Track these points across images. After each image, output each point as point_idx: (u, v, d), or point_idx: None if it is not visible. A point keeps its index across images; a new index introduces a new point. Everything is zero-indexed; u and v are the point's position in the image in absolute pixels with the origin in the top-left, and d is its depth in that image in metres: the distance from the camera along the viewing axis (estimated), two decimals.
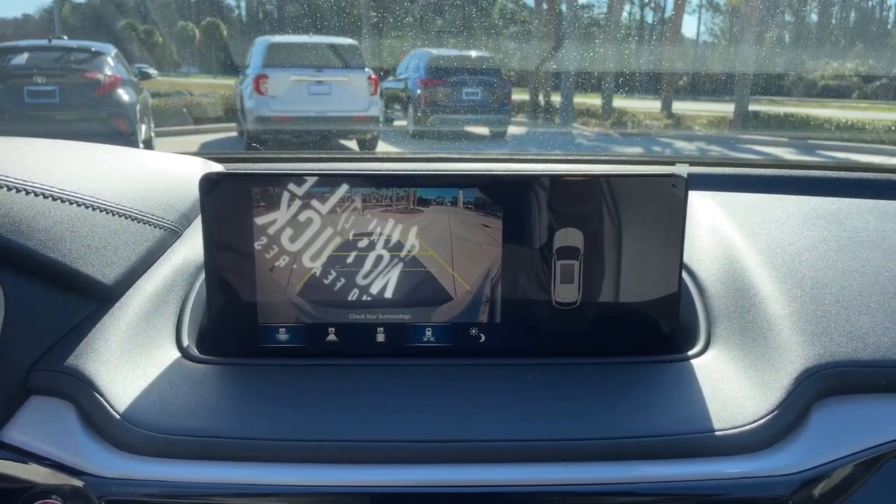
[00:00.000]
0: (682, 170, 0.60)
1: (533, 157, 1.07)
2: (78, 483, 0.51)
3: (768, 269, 0.67)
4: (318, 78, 6.43)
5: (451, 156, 1.04)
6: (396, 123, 7.57)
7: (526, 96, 9.39)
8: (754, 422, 0.53)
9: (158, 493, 0.51)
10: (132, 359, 0.58)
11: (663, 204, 0.60)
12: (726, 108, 8.90)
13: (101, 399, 0.53)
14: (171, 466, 0.51)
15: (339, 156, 1.18)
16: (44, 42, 6.87)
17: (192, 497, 0.51)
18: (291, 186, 0.59)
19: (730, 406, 0.54)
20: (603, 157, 1.09)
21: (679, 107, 9.16)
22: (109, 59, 6.13)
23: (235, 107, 7.04)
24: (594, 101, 9.13)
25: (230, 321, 0.61)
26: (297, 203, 0.60)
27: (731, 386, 0.57)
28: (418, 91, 7.14)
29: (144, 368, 0.58)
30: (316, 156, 1.03)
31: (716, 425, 0.53)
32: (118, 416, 0.53)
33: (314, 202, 0.60)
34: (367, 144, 6.50)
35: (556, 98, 8.95)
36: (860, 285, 0.65)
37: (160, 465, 0.51)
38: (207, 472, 0.51)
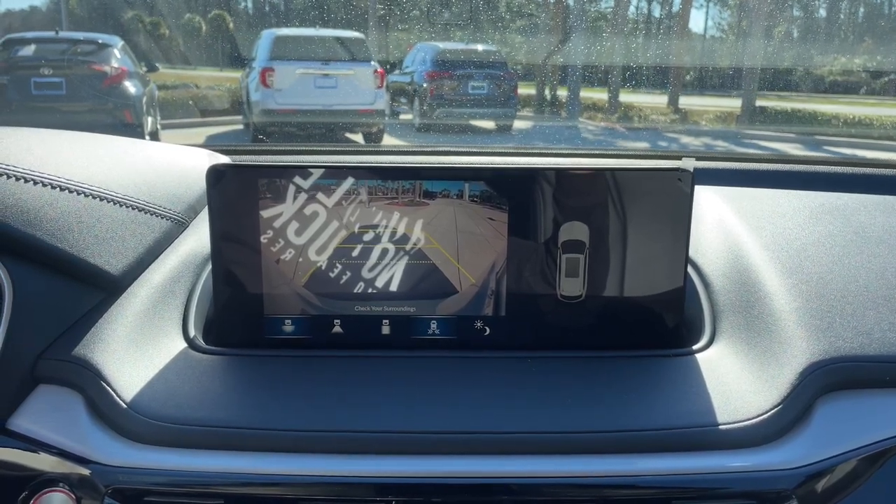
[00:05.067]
0: (689, 164, 0.60)
1: (539, 151, 1.07)
2: (84, 471, 0.51)
3: (774, 263, 0.67)
4: (325, 71, 6.41)
5: (456, 149, 1.04)
6: (402, 117, 7.55)
7: (532, 90, 9.36)
8: (759, 416, 0.53)
9: (164, 481, 0.51)
10: (139, 349, 0.58)
11: (669, 198, 0.60)
12: (733, 104, 8.86)
13: (108, 388, 0.54)
14: (176, 456, 0.51)
15: (345, 148, 1.18)
16: (51, 34, 6.87)
17: (197, 486, 0.51)
18: (297, 179, 0.59)
19: (734, 400, 0.55)
20: (609, 152, 1.08)
21: (686, 102, 9.12)
22: (116, 52, 6.12)
23: (241, 99, 7.04)
24: (601, 95, 9.09)
25: (236, 312, 0.61)
26: (303, 195, 0.60)
27: (736, 380, 0.57)
28: (424, 84, 7.12)
29: (151, 358, 0.58)
30: (322, 148, 1.03)
31: (720, 419, 0.53)
32: (125, 406, 0.53)
33: (320, 195, 0.60)
34: (373, 137, 6.49)
35: (563, 92, 8.92)
36: (866, 281, 0.65)
37: (166, 454, 0.52)
38: (213, 461, 0.51)
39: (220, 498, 0.51)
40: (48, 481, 0.52)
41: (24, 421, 0.54)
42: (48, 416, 0.54)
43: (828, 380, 0.55)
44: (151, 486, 0.51)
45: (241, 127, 6.92)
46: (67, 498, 0.52)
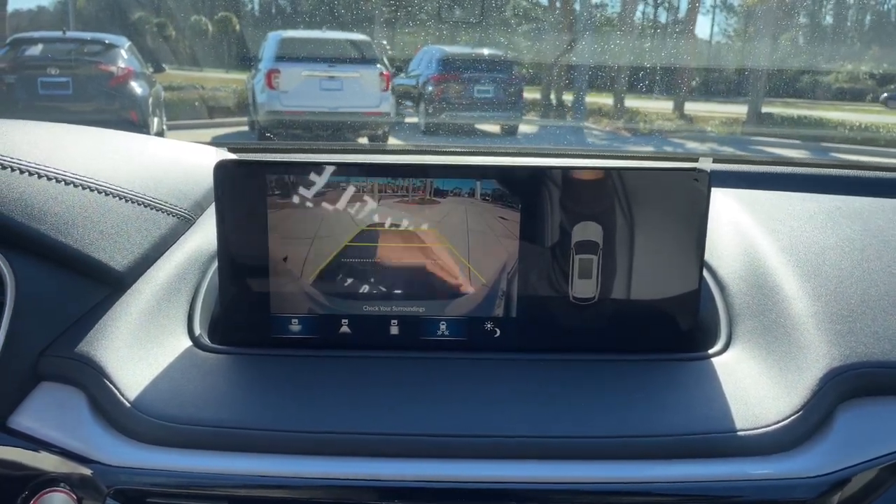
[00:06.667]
0: (706, 164, 0.59)
1: (548, 151, 1.06)
2: (86, 471, 0.50)
3: (791, 267, 0.66)
4: (330, 73, 6.42)
5: (465, 149, 1.03)
6: (408, 120, 7.56)
7: (538, 94, 9.36)
8: (778, 422, 0.52)
9: (167, 482, 0.50)
10: (143, 347, 0.57)
11: (685, 198, 0.59)
12: (739, 109, 8.85)
13: (112, 387, 0.53)
14: (180, 456, 0.50)
15: (352, 147, 1.17)
16: (58, 34, 6.91)
17: (201, 487, 0.50)
18: (306, 176, 0.58)
19: (752, 406, 0.53)
20: (621, 153, 1.07)
21: (691, 107, 9.11)
22: (122, 52, 6.15)
23: (247, 101, 7.06)
24: (607, 100, 9.09)
25: (242, 311, 0.60)
26: (312, 192, 0.59)
27: (753, 385, 0.55)
28: (430, 88, 7.13)
29: (155, 357, 0.57)
30: (329, 147, 1.02)
31: (737, 425, 0.51)
32: (128, 405, 0.52)
33: (329, 192, 0.59)
34: (378, 140, 6.49)
35: (569, 97, 8.91)
36: (886, 285, 0.63)
37: (170, 454, 0.51)
38: (217, 462, 0.50)
39: (224, 500, 0.50)
40: (49, 481, 0.51)
41: (26, 419, 0.53)
42: (50, 414, 0.53)
43: (849, 386, 0.54)
44: (154, 488, 0.50)
45: (246, 128, 6.93)
46: (68, 498, 0.51)
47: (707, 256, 0.67)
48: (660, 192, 0.59)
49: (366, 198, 0.59)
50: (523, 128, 7.58)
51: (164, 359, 0.57)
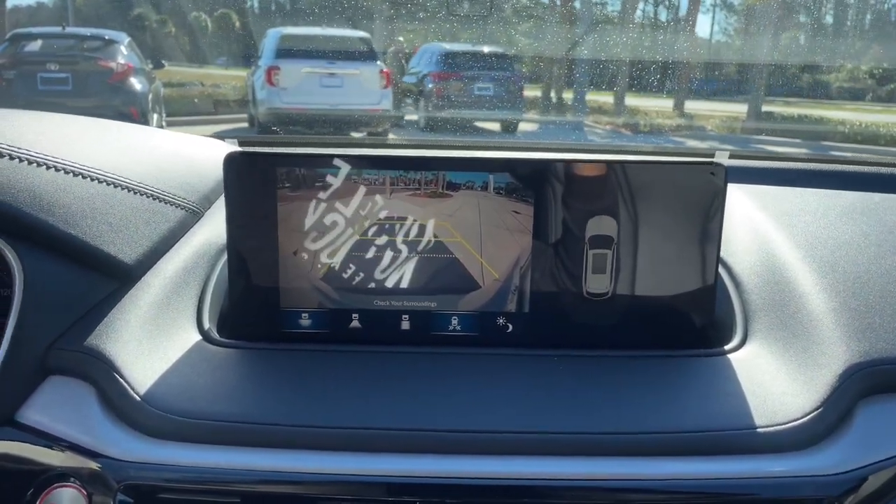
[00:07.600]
0: (723, 157, 0.58)
1: (558, 146, 1.05)
2: (96, 466, 0.50)
3: (808, 262, 0.65)
4: (330, 70, 6.41)
5: (472, 143, 1.03)
6: (408, 117, 7.55)
7: (539, 92, 9.35)
8: (796, 419, 0.51)
9: (178, 477, 0.50)
10: (153, 340, 0.56)
11: (701, 193, 0.58)
12: (740, 108, 8.85)
13: (121, 381, 0.52)
14: (190, 451, 0.50)
15: (361, 142, 1.17)
16: (57, 29, 6.90)
17: (211, 482, 0.50)
18: (317, 168, 0.58)
19: (770, 402, 0.53)
20: (630, 149, 1.07)
21: (692, 106, 9.10)
22: (122, 48, 6.14)
23: (247, 98, 7.04)
24: (607, 98, 9.08)
25: (252, 305, 0.60)
26: (323, 185, 0.58)
27: (771, 381, 0.55)
28: (430, 85, 7.13)
29: (165, 351, 0.56)
30: (338, 141, 1.02)
31: (756, 422, 0.51)
32: (138, 399, 0.51)
33: (340, 185, 0.58)
34: (379, 137, 6.48)
35: (569, 94, 8.90)
36: None
37: (180, 448, 0.50)
38: (227, 457, 0.50)
39: (237, 496, 0.50)
40: (58, 476, 0.50)
41: (34, 413, 0.52)
42: (59, 408, 0.52)
43: (869, 383, 0.53)
44: (165, 482, 0.50)
45: (245, 125, 6.92)
46: (78, 494, 0.50)
47: (722, 252, 0.67)
48: (676, 187, 0.58)
49: (377, 190, 0.58)
50: (524, 126, 7.57)
51: (173, 353, 0.56)
